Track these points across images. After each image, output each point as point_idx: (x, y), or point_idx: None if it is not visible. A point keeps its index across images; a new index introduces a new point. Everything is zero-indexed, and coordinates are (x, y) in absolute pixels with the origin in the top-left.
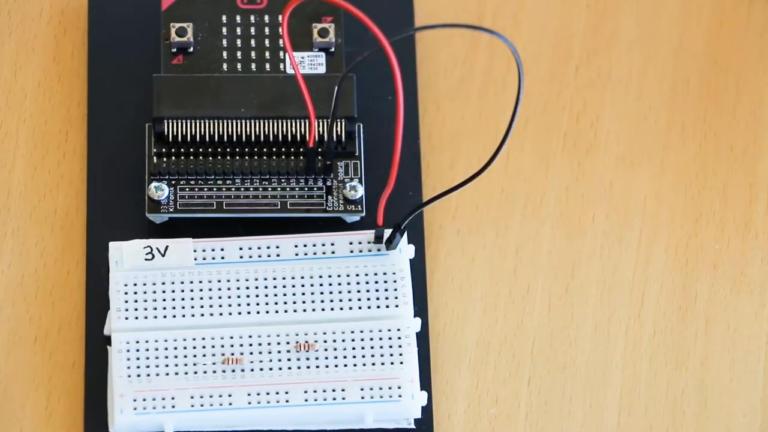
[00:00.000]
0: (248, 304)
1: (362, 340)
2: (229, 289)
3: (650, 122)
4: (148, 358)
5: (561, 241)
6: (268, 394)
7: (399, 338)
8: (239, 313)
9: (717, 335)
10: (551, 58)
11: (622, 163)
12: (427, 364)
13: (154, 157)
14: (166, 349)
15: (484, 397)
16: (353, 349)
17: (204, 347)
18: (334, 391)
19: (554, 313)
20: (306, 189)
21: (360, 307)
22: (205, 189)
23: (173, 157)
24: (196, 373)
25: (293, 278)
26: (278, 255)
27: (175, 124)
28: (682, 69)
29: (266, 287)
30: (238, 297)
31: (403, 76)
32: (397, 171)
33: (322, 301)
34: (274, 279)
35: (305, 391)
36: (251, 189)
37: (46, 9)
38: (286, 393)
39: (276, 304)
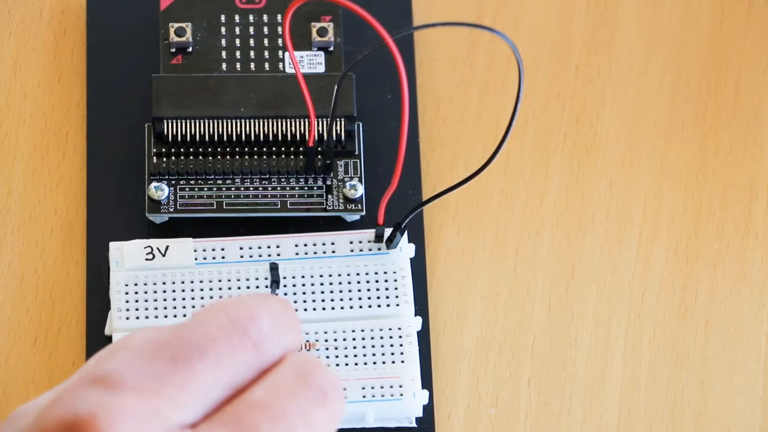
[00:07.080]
0: None
1: (363, 339)
2: (229, 289)
3: (650, 122)
4: None
5: (561, 241)
6: None
7: (400, 337)
8: None
9: (717, 335)
10: (551, 58)
11: (621, 163)
12: (428, 363)
13: (154, 157)
14: None
15: (484, 397)
16: (354, 348)
17: None
18: None
19: (554, 313)
20: (306, 188)
21: (360, 306)
22: (205, 189)
23: (173, 157)
24: None
25: (293, 278)
26: (278, 255)
27: (174, 124)
28: (682, 69)
29: (266, 287)
30: None
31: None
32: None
33: (323, 301)
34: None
35: None
36: (251, 189)
37: (46, 9)
38: None
39: None
